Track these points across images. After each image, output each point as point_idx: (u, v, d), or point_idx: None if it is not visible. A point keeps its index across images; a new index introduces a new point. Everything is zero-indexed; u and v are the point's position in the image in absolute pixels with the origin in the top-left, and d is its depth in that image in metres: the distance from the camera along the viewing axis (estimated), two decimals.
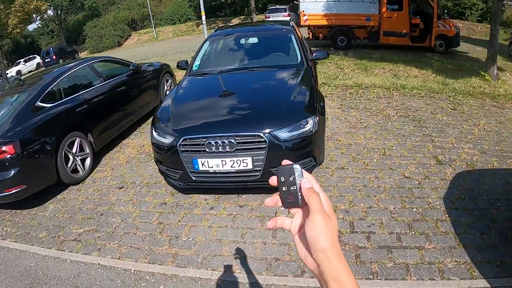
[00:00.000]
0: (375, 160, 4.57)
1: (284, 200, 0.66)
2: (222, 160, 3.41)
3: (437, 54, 13.55)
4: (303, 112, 3.71)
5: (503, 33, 20.46)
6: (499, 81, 8.84)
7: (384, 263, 2.99)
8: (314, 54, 5.18)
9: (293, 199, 0.65)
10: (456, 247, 3.25)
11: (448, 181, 4.26)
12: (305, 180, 0.64)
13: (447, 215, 3.66)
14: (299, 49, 4.97)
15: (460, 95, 7.54)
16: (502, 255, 3.20)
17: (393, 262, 3.01)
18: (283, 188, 0.65)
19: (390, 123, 5.68)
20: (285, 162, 0.67)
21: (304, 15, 14.53)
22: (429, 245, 3.24)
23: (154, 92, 6.81)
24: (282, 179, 0.65)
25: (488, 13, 25.86)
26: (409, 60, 11.41)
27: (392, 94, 7.09)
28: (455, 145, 5.18)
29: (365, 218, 3.50)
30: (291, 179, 0.65)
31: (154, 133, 3.83)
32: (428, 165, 4.55)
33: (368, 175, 4.23)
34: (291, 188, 0.65)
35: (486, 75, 8.92)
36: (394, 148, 4.91)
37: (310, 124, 3.55)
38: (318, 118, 3.68)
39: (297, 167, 0.65)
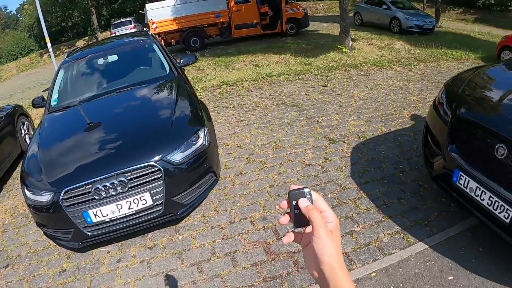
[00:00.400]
0: (270, 156, 4.74)
1: (296, 221, 0.83)
2: (117, 205, 3.23)
3: (290, 37, 15.45)
4: (190, 127, 3.74)
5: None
6: (355, 51, 10.38)
7: None
8: (182, 60, 5.21)
9: (305, 220, 0.81)
10: (383, 220, 3.60)
11: (348, 157, 4.71)
12: (302, 200, 0.81)
13: (361, 192, 4.04)
14: (165, 58, 5.00)
15: (326, 71, 8.55)
16: (425, 213, 3.74)
17: None
18: (295, 211, 0.83)
19: (270, 114, 6.00)
20: (294, 187, 0.84)
21: (153, 24, 15.13)
22: (358, 227, 3.50)
23: (12, 140, 6.47)
24: (294, 202, 0.83)
25: None
26: (266, 48, 12.55)
27: (262, 85, 7.57)
28: (340, 120, 5.79)
29: None
30: None
31: (28, 192, 3.52)
32: (323, 147, 4.94)
33: (270, 173, 4.35)
34: None
35: (343, 47, 10.39)
36: (284, 138, 5.19)
37: (201, 138, 3.55)
38: (207, 128, 3.66)
39: (307, 190, 0.82)
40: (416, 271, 3.11)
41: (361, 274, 2.98)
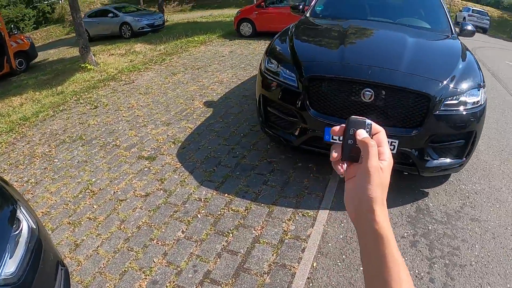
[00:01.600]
0: (95, 206, 3.73)
1: (345, 152, 0.75)
2: None
3: (22, 74, 13.30)
4: (1, 214, 2.31)
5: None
6: (101, 65, 9.56)
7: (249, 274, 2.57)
8: None
9: (354, 154, 0.74)
10: (272, 210, 3.41)
11: (181, 167, 4.28)
12: (361, 130, 0.74)
13: (226, 195, 3.71)
14: None
15: (86, 93, 7.59)
16: (298, 184, 3.77)
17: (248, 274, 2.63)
18: (349, 141, 0.75)
19: (56, 160, 4.79)
20: (356, 116, 0.77)
21: None
22: (257, 230, 3.17)
23: None
24: (351, 131, 0.75)
25: (43, 16, 31.51)
26: (1, 94, 10.36)
27: (23, 132, 6.03)
28: (139, 134, 5.20)
29: (178, 268, 2.81)
30: None
31: None
32: (146, 169, 4.30)
33: (111, 226, 3.40)
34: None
35: (87, 65, 9.46)
36: (94, 179, 4.21)
37: (24, 220, 2.24)
38: (35, 220, 2.41)
39: (369, 122, 0.75)
40: (341, 236, 3.07)
41: (306, 270, 2.70)
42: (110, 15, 18.54)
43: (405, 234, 3.14)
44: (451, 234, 3.20)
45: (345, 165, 0.76)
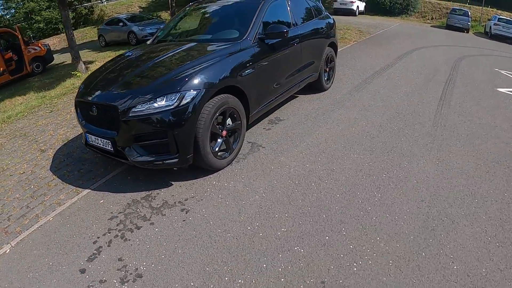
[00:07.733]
0: None
1: None
2: None
3: (37, 75, 15.48)
4: None
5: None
6: (89, 72, 11.37)
7: None
8: None
9: None
10: (64, 186, 5.14)
11: (51, 157, 5.98)
12: None
13: (55, 176, 5.40)
14: None
15: (56, 99, 9.44)
16: (96, 172, 5.34)
17: None
18: None
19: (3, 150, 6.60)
20: None
21: None
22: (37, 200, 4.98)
23: None
24: None
25: (84, 17, 34.15)
26: (12, 93, 12.50)
27: (2, 127, 7.94)
28: (53, 133, 6.97)
29: None
30: None
31: None
32: (35, 158, 6.01)
33: None
34: None
35: (77, 72, 11.62)
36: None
37: None
38: None
39: None
40: (79, 206, 4.53)
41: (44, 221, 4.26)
42: (121, 24, 20.16)
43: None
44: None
45: None
